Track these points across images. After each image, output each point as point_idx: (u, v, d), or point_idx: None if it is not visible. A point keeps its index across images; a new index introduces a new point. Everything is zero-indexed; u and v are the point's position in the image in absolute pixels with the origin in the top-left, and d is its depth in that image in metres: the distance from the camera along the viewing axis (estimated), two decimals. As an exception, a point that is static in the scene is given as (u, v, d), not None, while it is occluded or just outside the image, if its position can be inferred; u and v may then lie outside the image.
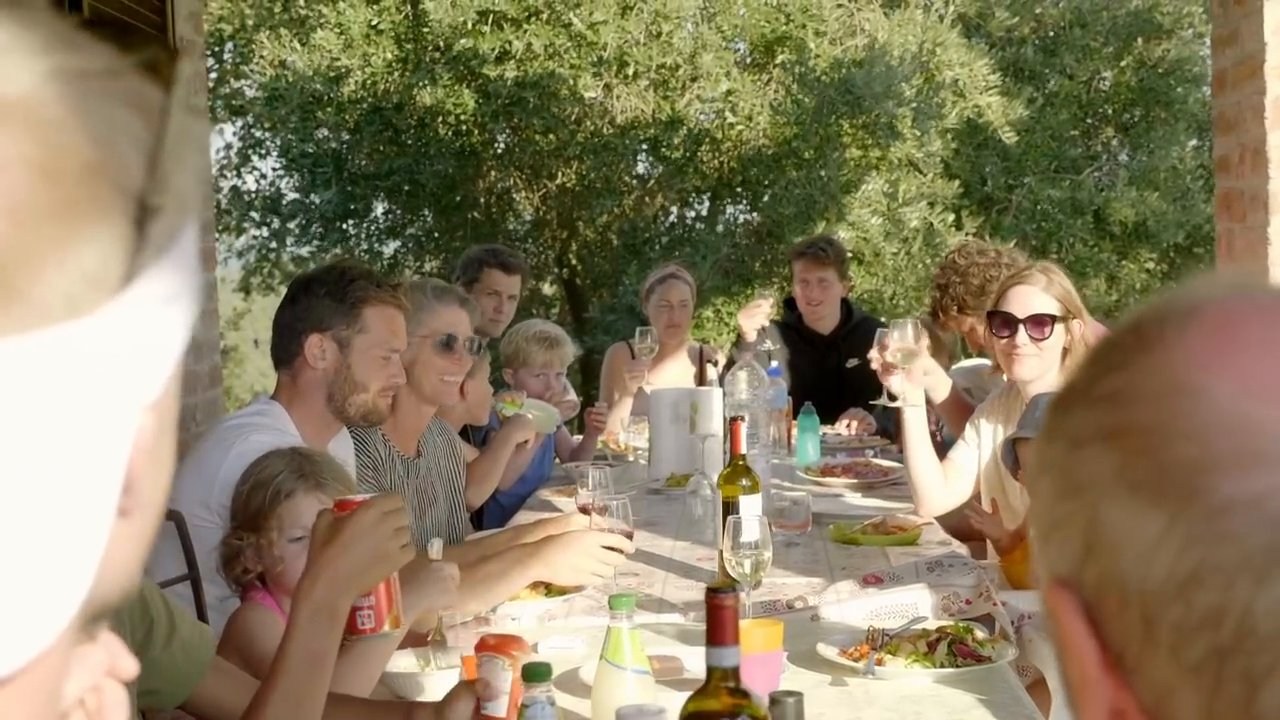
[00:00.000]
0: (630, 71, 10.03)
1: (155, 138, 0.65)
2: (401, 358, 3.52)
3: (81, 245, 0.62)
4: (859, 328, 6.26)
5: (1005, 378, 4.20)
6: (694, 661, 2.67)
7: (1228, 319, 0.73)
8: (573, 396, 5.47)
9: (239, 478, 2.79)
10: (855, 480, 4.92)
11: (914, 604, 3.12)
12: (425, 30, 10.15)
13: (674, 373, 6.23)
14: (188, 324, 0.68)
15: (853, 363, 6.09)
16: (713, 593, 1.78)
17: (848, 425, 6.03)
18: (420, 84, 10.24)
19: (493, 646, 2.22)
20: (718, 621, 1.77)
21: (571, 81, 9.92)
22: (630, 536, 3.40)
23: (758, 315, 6.33)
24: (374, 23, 10.28)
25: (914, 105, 9.89)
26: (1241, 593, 0.67)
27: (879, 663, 2.72)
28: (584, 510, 3.78)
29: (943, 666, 2.71)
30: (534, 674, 2.09)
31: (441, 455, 4.15)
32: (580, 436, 5.77)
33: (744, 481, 3.47)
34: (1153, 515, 0.70)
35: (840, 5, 10.29)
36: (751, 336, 6.29)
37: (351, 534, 2.15)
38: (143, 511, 0.67)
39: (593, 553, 3.26)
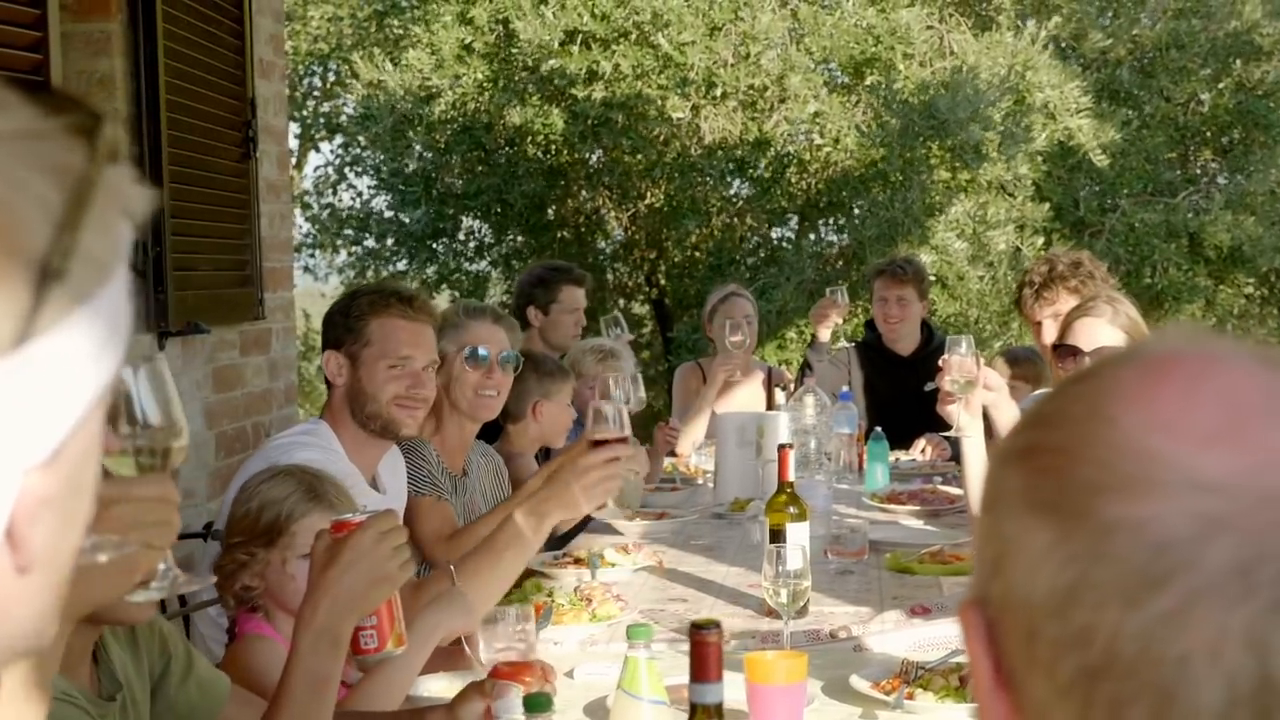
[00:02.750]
0: (718, 93, 10.03)
1: (68, 201, 0.65)
2: (438, 373, 3.60)
3: None
4: (939, 350, 6.19)
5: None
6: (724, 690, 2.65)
7: (1161, 362, 0.74)
8: (642, 394, 5.39)
9: (239, 495, 2.76)
10: (920, 507, 4.86)
11: (956, 636, 3.08)
12: (515, 50, 10.22)
13: (744, 397, 6.21)
14: (100, 382, 0.67)
15: (931, 386, 6.02)
16: (696, 629, 1.78)
17: (922, 450, 5.97)
18: (509, 104, 10.31)
19: (507, 674, 2.23)
20: (700, 658, 1.77)
21: (659, 102, 9.94)
22: (624, 441, 3.06)
23: (832, 314, 6.34)
24: (467, 41, 10.36)
25: (1001, 129, 9.78)
26: (1111, 614, 0.68)
27: (909, 696, 2.70)
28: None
29: (974, 701, 2.67)
30: (534, 705, 2.09)
31: (487, 478, 4.17)
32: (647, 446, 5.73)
33: (791, 509, 3.46)
34: (1044, 530, 0.71)
35: (930, 27, 10.21)
36: (824, 336, 6.29)
37: (351, 556, 2.16)
38: (44, 567, 0.68)
39: (595, 468, 2.96)
